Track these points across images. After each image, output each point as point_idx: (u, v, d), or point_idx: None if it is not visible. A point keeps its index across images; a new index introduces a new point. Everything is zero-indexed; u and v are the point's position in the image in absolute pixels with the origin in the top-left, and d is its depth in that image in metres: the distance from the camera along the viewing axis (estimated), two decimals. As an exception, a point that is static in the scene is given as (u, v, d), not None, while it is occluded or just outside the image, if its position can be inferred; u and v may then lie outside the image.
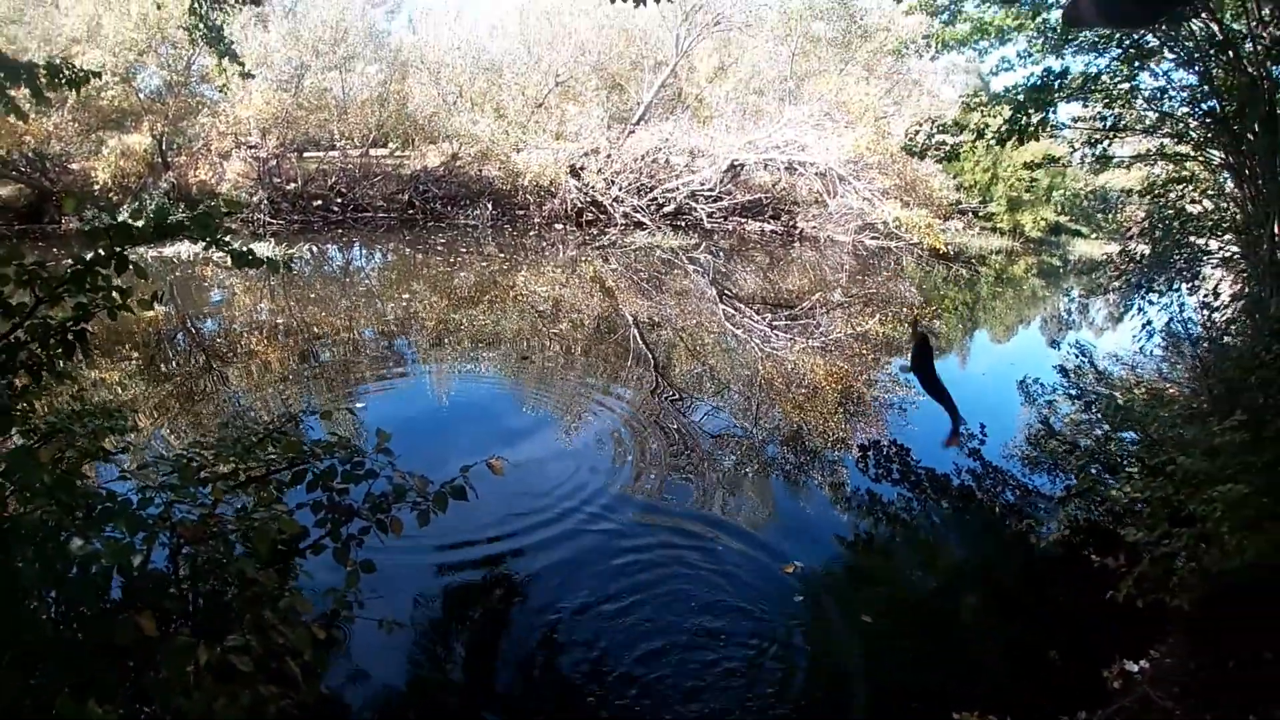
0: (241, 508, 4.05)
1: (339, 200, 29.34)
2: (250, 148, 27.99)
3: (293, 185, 29.06)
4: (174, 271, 19.45)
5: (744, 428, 9.92)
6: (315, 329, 14.28)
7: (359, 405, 9.74)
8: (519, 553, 6.54)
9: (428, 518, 3.96)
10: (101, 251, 4.11)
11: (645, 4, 8.82)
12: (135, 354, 12.06)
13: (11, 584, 3.28)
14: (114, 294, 4.33)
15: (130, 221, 4.04)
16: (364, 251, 25.77)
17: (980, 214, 35.68)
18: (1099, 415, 10.18)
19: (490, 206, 29.71)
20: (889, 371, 12.98)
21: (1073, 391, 11.78)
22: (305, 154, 31.32)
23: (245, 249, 4.24)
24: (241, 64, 11.80)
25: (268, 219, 27.20)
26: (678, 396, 11.13)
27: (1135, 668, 5.13)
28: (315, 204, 28.97)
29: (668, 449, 9.05)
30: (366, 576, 4.01)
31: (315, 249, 24.29)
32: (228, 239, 4.18)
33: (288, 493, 4.20)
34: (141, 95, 28.22)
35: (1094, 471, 8.40)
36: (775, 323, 15.95)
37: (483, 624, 5.66)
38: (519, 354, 13.01)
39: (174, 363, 12.10)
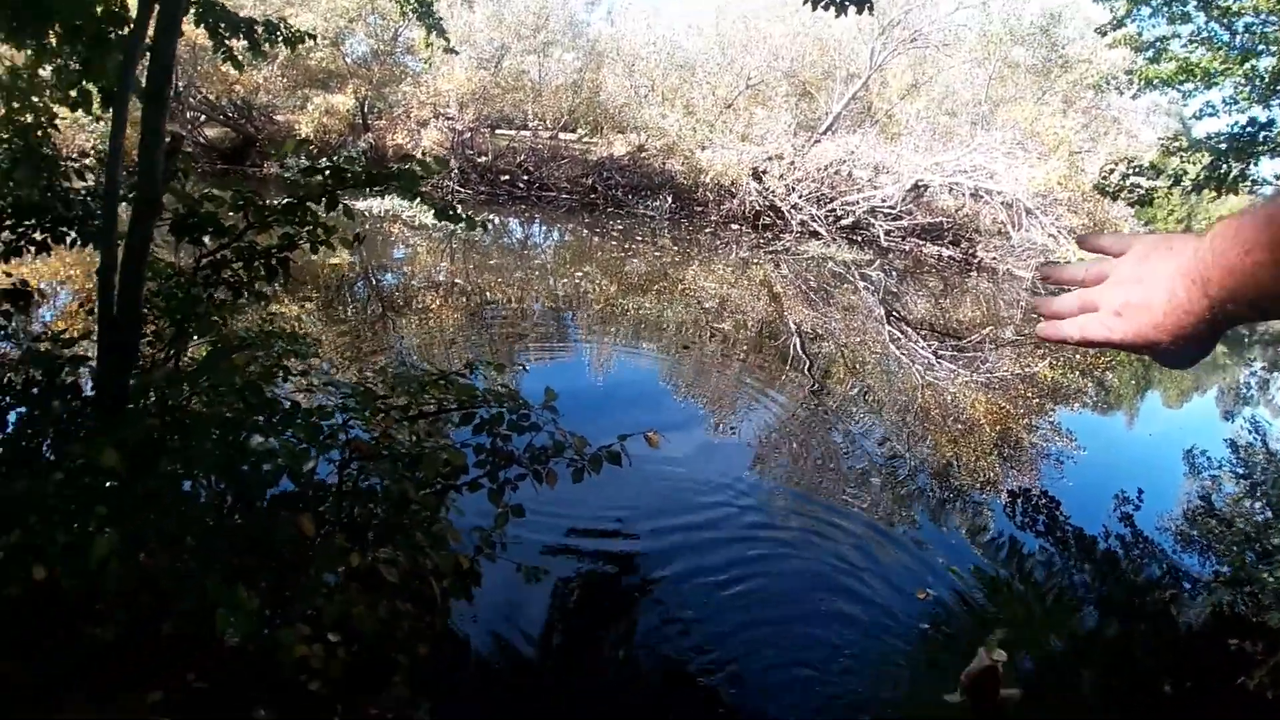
0: (411, 438, 4.28)
1: (525, 177, 30.24)
2: (447, 119, 29.13)
3: (483, 158, 30.10)
4: (363, 225, 20.33)
5: (893, 451, 9.72)
6: (487, 294, 14.76)
7: (524, 365, 10.05)
8: (654, 532, 6.65)
9: (582, 476, 4.10)
10: (315, 189, 4.40)
11: (846, 13, 8.85)
12: (317, 294, 12.71)
13: (185, 470, 3.56)
14: (319, 229, 4.65)
15: (345, 166, 4.33)
16: (543, 228, 26.45)
17: (1170, 266, 33.96)
18: (1263, 500, 9.66)
19: (670, 199, 29.91)
20: (1052, 420, 12.52)
21: (1240, 470, 11.17)
22: (498, 130, 32.28)
23: (447, 204, 4.48)
24: (447, 39, 12.27)
25: (456, 187, 28.26)
26: (831, 410, 11.04)
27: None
28: (503, 178, 29.95)
29: (814, 458, 9.02)
30: (511, 523, 4.18)
31: (498, 220, 25.01)
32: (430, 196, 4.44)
33: (454, 432, 4.41)
34: (348, 60, 29.80)
35: (1248, 559, 7.98)
36: (941, 351, 15.56)
37: (609, 590, 5.80)
38: (680, 343, 13.13)
39: (352, 308, 12.71)
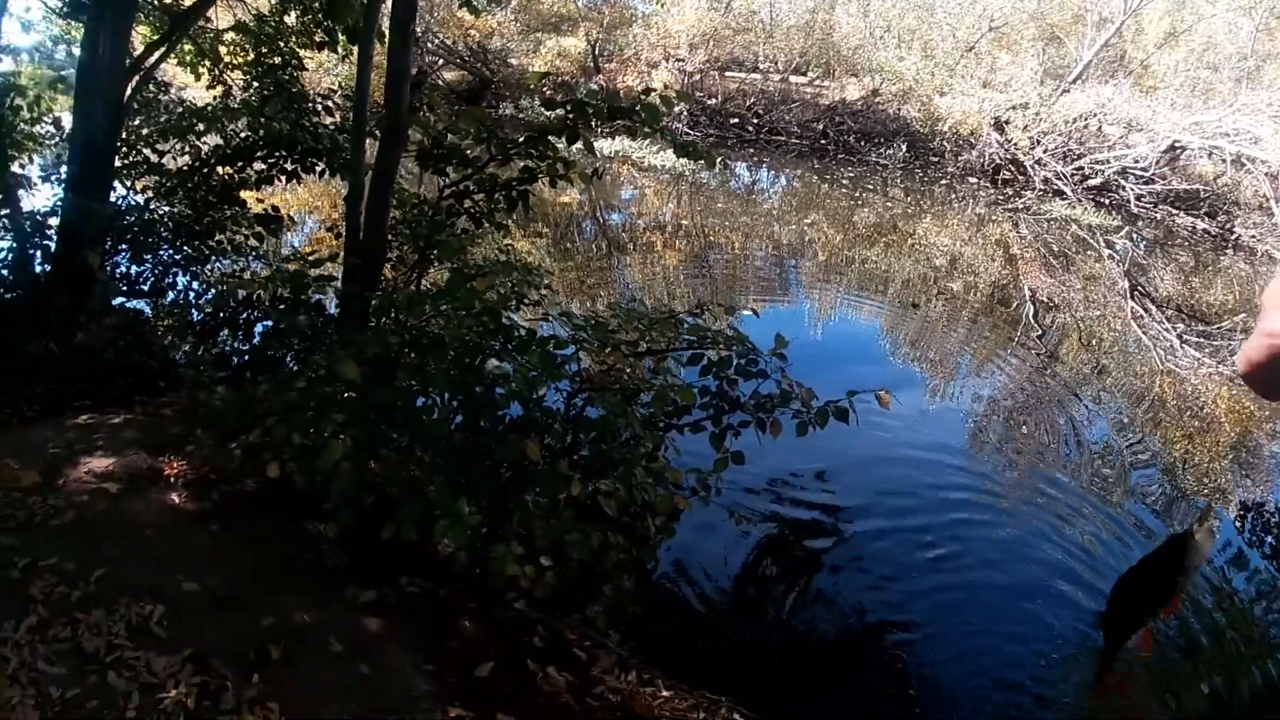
0: (639, 374, 4.33)
1: (755, 120, 29.98)
2: (677, 61, 29.16)
3: (713, 100, 30.03)
4: (594, 164, 20.71)
5: (1122, 440, 9.10)
6: (712, 238, 14.81)
7: (749, 310, 10.04)
8: (860, 488, 6.55)
9: (806, 429, 4.04)
10: (554, 122, 4.49)
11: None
12: (549, 230, 13.06)
13: (421, 386, 3.73)
14: (559, 164, 4.74)
15: (586, 99, 4.39)
16: (771, 174, 26.24)
17: None
18: None
19: (904, 148, 28.91)
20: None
21: None
22: (727, 72, 32.05)
23: (688, 140, 4.49)
24: None
25: (686, 129, 28.25)
26: (1060, 386, 10.47)
27: None
28: (732, 121, 29.82)
29: (1036, 436, 8.64)
30: (730, 470, 4.16)
31: (726, 164, 24.95)
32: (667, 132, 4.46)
33: (681, 372, 4.43)
34: (579, 3, 30.28)
35: None
36: (1186, 336, 14.44)
37: (810, 542, 5.76)
38: (908, 300, 12.79)
39: (579, 244, 13.00)
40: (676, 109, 27.58)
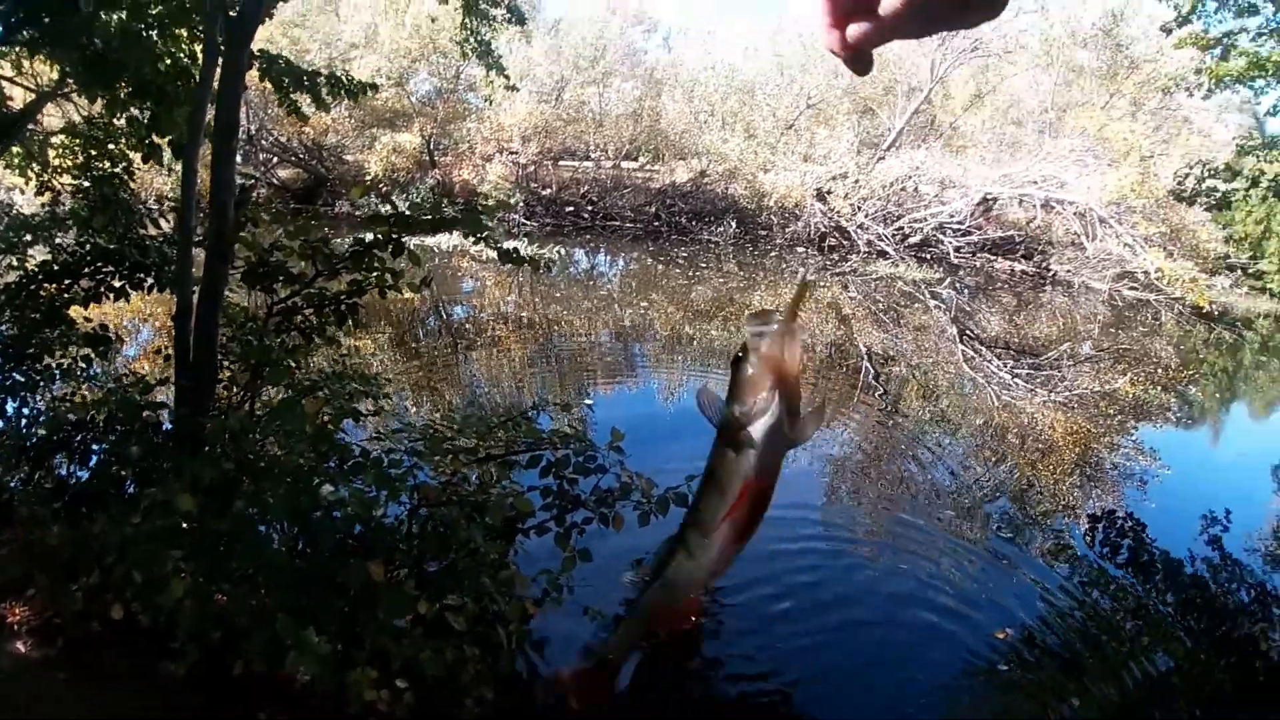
0: (477, 481, 4.30)
1: (589, 207, 30.61)
2: (511, 153, 29.66)
3: (548, 190, 30.57)
4: (432, 259, 20.63)
5: (970, 475, 9.51)
6: (555, 325, 14.87)
7: (586, 402, 10.08)
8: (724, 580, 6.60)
9: (648, 519, 4.09)
10: (380, 236, 4.50)
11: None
12: (389, 330, 12.91)
13: (260, 516, 3.63)
14: (386, 275, 4.74)
15: (410, 212, 4.41)
16: (608, 258, 26.65)
17: (1249, 271, 33.05)
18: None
19: (734, 224, 29.95)
20: (1134, 439, 12.19)
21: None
22: (561, 162, 32.76)
23: (511, 248, 4.54)
24: (507, 77, 12.47)
25: (522, 220, 28.80)
26: (905, 434, 10.85)
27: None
28: (567, 209, 30.38)
29: (888, 483, 8.90)
30: (579, 567, 4.17)
31: (564, 251, 25.23)
32: (492, 237, 4.51)
33: (521, 474, 4.42)
34: (413, 99, 30.66)
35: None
36: (1016, 370, 15.24)
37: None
38: None
39: (423, 342, 12.88)
40: (513, 200, 27.98)
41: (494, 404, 9.66)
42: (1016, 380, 14.42)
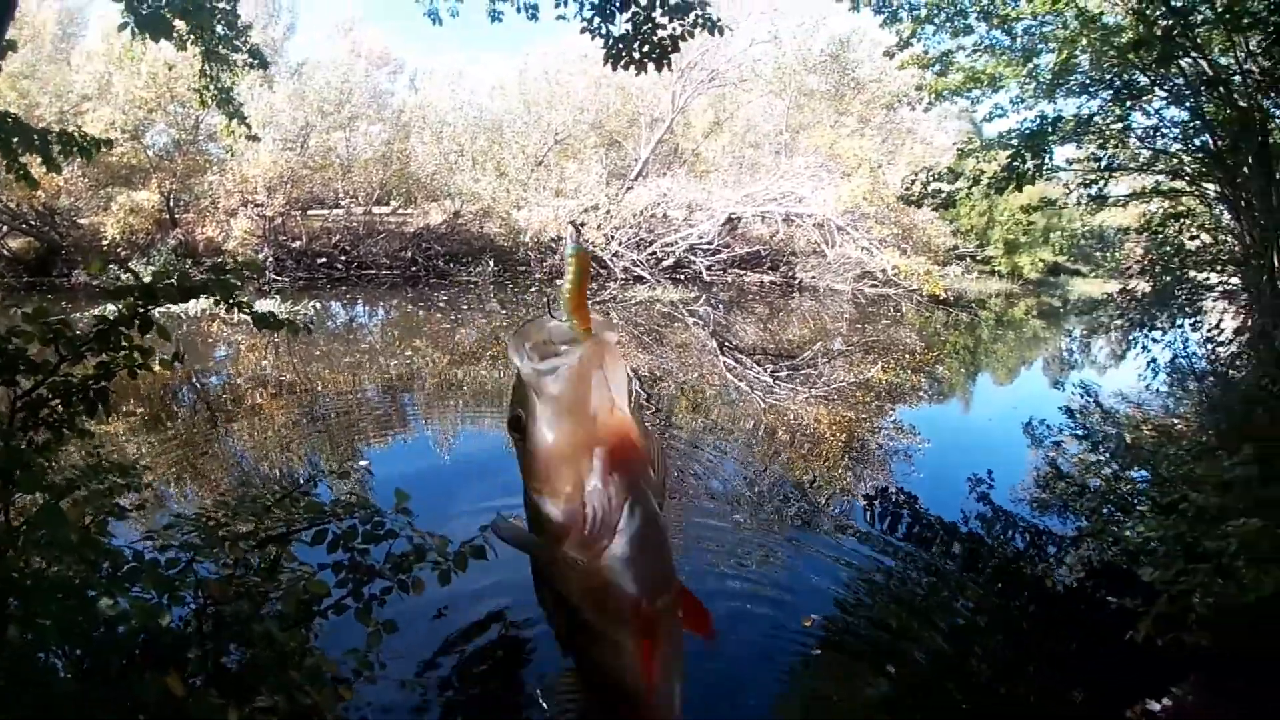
0: (263, 566, 4.07)
1: (343, 258, 29.63)
2: (256, 206, 28.23)
3: (298, 243, 29.37)
4: (181, 327, 19.46)
5: (749, 480, 9.77)
6: (319, 385, 14.28)
7: (363, 463, 9.73)
8: (530, 607, 6.52)
9: (449, 577, 3.95)
10: (125, 311, 4.18)
11: (645, 70, 9.09)
12: (141, 409, 12.03)
13: (36, 641, 3.29)
14: (135, 354, 4.41)
15: (154, 281, 4.11)
16: (367, 308, 25.85)
17: (978, 258, 36.09)
18: (1107, 455, 10.18)
19: (492, 263, 29.86)
20: (894, 419, 12.96)
21: (1079, 432, 11.78)
22: (310, 211, 31.55)
23: (267, 312, 4.32)
24: (249, 125, 11.93)
25: (273, 276, 27.25)
26: (683, 447, 11.06)
27: (1158, 707, 5.11)
28: (320, 261, 29.26)
29: (672, 505, 9.03)
30: (388, 637, 4.01)
31: (319, 306, 24.30)
32: (244, 299, 4.26)
33: (308, 552, 4.21)
34: (150, 153, 28.73)
35: (1105, 512, 8.37)
36: (777, 373, 15.91)
37: (497, 681, 5.64)
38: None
39: (180, 419, 12.06)
40: (261, 256, 26.79)
41: (266, 478, 9.13)
42: (778, 382, 15.04)
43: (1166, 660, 5.39)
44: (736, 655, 5.70)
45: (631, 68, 9.11)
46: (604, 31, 9.14)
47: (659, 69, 9.20)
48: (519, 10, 10.05)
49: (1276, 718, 4.83)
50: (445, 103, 34.54)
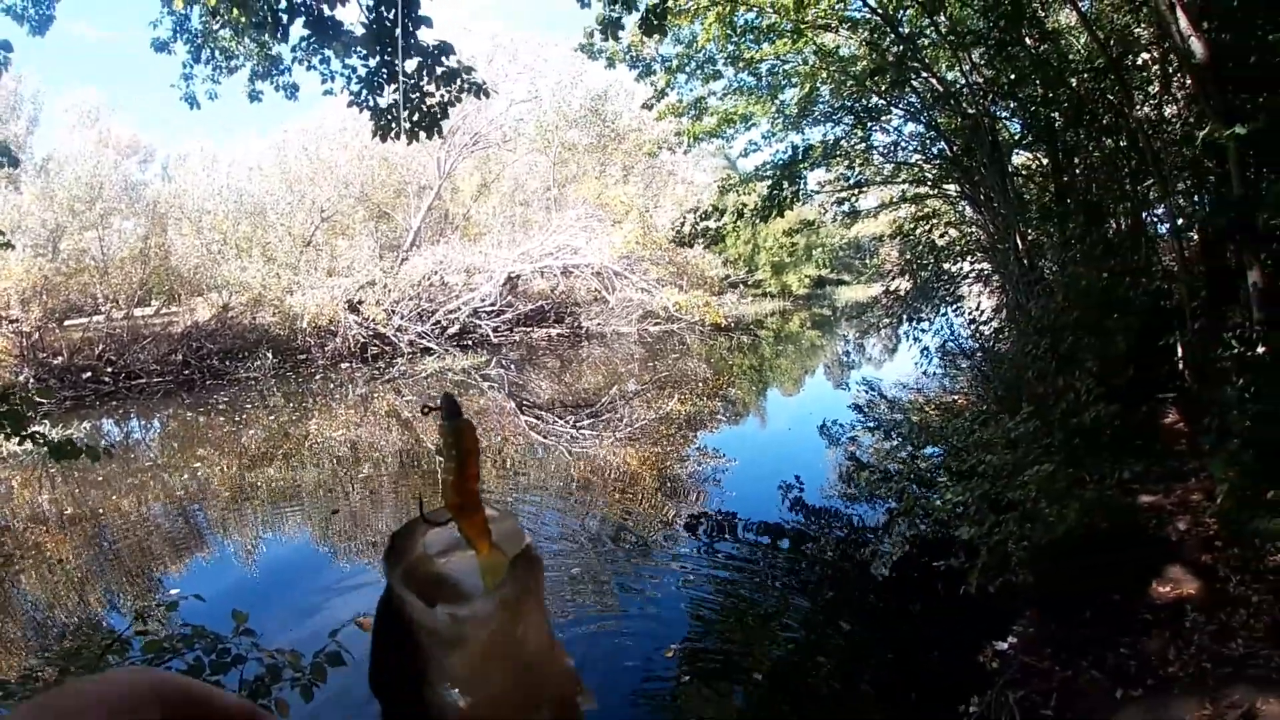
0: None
1: (109, 369, 27.64)
2: (11, 321, 26.07)
3: (59, 359, 27.24)
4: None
5: (574, 532, 9.91)
6: (103, 515, 13.30)
7: (174, 592, 9.17)
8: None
9: (310, 692, 3.80)
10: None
11: (417, 138, 9.20)
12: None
13: None
14: None
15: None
16: (142, 422, 24.03)
17: (749, 283, 37.84)
18: (900, 439, 10.92)
19: (270, 355, 28.36)
20: (699, 445, 13.42)
21: (871, 424, 12.57)
22: (66, 322, 29.39)
23: (63, 439, 4.13)
24: (2, 233, 11.15)
25: (36, 398, 25.08)
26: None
27: (1005, 645, 5.58)
28: (84, 376, 27.21)
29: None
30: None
31: (90, 425, 22.78)
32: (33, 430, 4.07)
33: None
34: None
35: (912, 491, 8.99)
36: (579, 423, 16.07)
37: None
38: (329, 508, 12.33)
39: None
40: (21, 377, 24.79)
41: (66, 627, 8.55)
42: (581, 431, 15.28)
43: (1001, 603, 5.90)
44: (615, 704, 5.84)
45: (402, 137, 9.18)
46: (371, 104, 9.18)
47: (429, 136, 9.31)
48: (277, 90, 9.95)
49: (1105, 620, 5.40)
50: (202, 189, 33.12)
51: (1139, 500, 6.69)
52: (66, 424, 22.06)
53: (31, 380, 25.08)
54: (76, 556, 11.19)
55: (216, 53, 9.82)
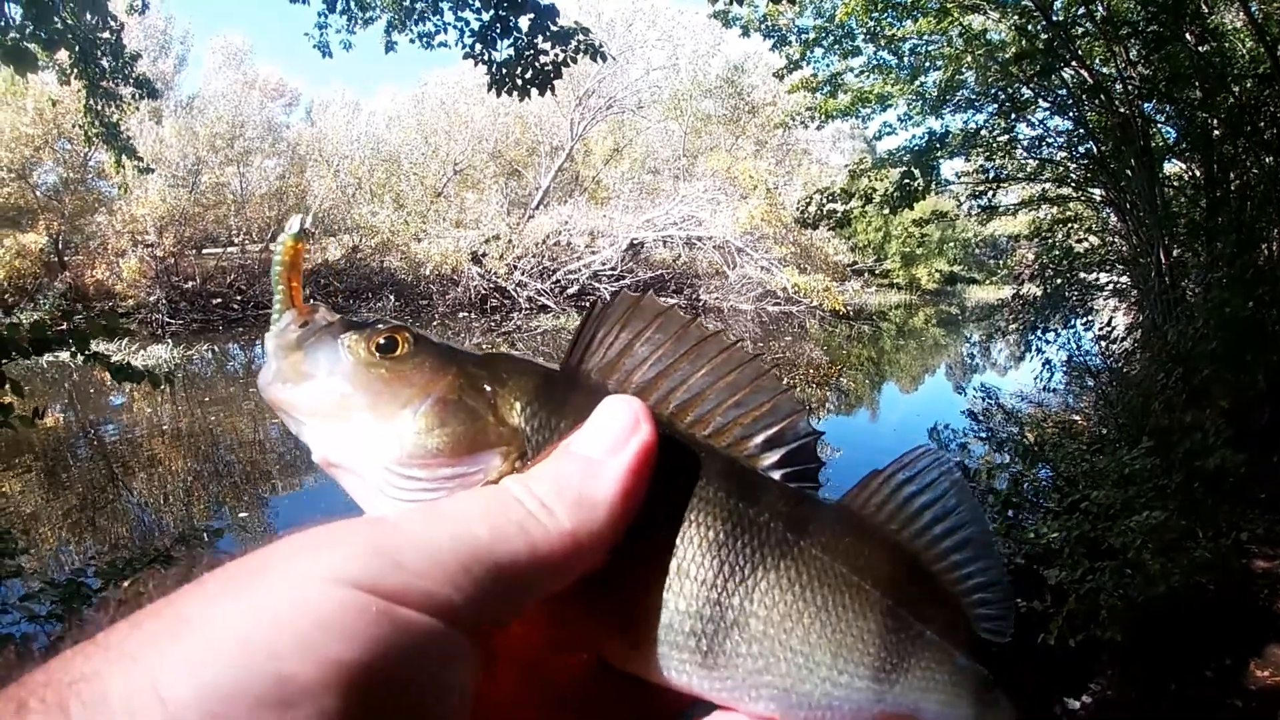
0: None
1: (239, 297, 28.63)
2: (147, 246, 27.14)
3: (191, 284, 28.24)
4: (71, 376, 18.69)
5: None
6: (217, 430, 13.79)
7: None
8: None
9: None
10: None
11: (529, 96, 9.11)
12: (36, 463, 11.49)
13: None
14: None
15: (4, 334, 3.86)
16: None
17: (877, 271, 36.92)
18: (1010, 455, 10.38)
19: (393, 298, 29.21)
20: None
21: (983, 434, 12.00)
22: (204, 250, 30.47)
23: (123, 362, 4.10)
24: (140, 159, 11.46)
25: (166, 319, 26.13)
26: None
27: (1076, 704, 5.18)
28: (215, 302, 28.21)
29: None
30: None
31: (217, 349, 23.61)
32: (109, 351, 4.03)
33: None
34: (38, 192, 27.54)
35: (1010, 515, 8.50)
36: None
37: None
38: None
39: (74, 471, 11.55)
40: (153, 298, 25.75)
41: (167, 530, 8.80)
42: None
43: (1081, 657, 5.49)
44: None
45: (515, 93, 9.13)
46: (487, 58, 9.13)
47: (542, 94, 9.29)
48: (412, 41, 9.97)
49: (1191, 697, 4.95)
50: (341, 134, 33.93)
51: (1255, 564, 6.16)
52: (192, 345, 22.90)
53: (163, 302, 26.06)
54: (184, 468, 11.58)
55: (351, 2, 9.90)
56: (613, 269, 29.86)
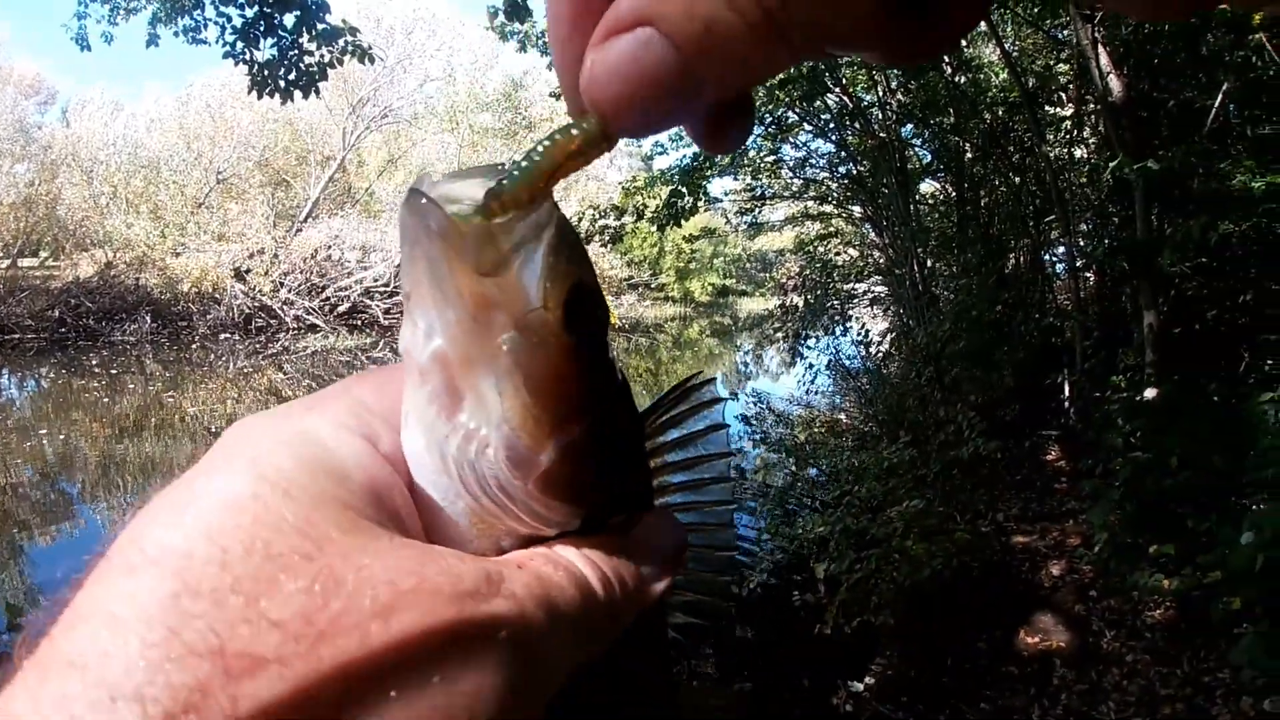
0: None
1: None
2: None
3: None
4: None
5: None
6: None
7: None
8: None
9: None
10: None
11: (292, 98, 8.83)
12: None
13: None
14: None
15: None
16: (13, 379, 22.73)
17: (652, 285, 37.74)
18: (782, 454, 10.65)
19: (149, 319, 26.95)
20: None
21: (758, 436, 12.28)
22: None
23: None
24: None
25: None
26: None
27: (860, 687, 5.29)
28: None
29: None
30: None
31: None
32: None
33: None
34: None
35: (780, 513, 8.65)
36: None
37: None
38: None
39: None
40: None
41: None
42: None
43: (858, 643, 5.62)
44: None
45: (278, 95, 8.78)
46: (249, 57, 8.74)
47: (305, 96, 9.06)
48: (176, 35, 9.45)
49: (965, 671, 5.15)
50: (99, 138, 31.62)
51: (1013, 541, 6.53)
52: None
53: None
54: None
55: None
56: (386, 285, 29.01)
